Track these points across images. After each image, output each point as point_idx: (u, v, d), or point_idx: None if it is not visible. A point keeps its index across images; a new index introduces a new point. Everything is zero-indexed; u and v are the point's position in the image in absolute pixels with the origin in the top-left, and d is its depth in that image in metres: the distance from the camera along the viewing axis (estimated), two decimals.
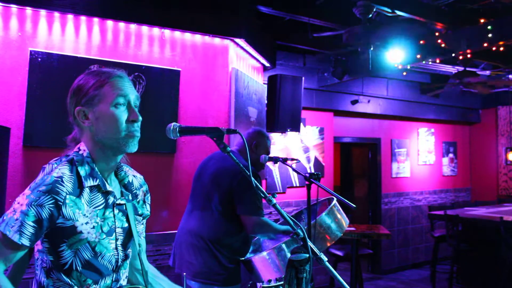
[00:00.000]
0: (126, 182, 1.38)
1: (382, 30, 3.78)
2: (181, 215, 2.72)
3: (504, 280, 4.93)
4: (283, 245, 2.28)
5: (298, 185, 5.42)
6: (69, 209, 1.18)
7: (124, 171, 1.39)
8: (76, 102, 1.26)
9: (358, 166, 7.72)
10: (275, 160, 2.62)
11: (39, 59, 2.92)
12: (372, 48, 4.18)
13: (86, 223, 1.21)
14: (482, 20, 4.04)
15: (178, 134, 1.33)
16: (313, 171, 5.62)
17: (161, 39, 3.42)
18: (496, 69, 5.86)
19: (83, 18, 3.11)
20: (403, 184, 7.08)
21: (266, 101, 4.62)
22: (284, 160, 2.63)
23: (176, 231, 2.68)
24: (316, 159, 5.69)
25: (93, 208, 1.24)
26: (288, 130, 4.52)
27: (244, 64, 4.15)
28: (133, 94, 1.28)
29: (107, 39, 3.20)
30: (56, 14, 3.01)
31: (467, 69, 5.29)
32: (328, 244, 2.47)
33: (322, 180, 5.21)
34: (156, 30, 3.40)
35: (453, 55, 4.36)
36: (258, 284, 2.56)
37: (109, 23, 3.21)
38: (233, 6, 3.62)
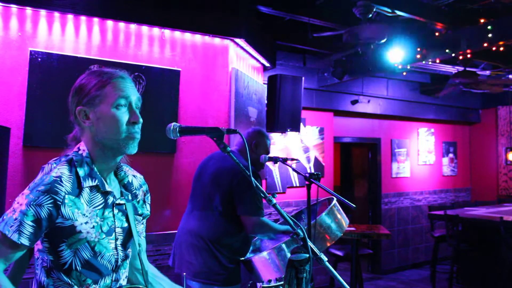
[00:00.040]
0: (125, 182, 1.38)
1: (382, 29, 3.77)
2: (181, 215, 2.72)
3: (504, 280, 4.93)
4: (283, 245, 2.28)
5: (298, 185, 5.42)
6: (68, 208, 1.18)
7: (124, 171, 1.39)
8: (78, 102, 1.26)
9: (358, 166, 7.72)
10: (275, 160, 2.62)
11: (39, 59, 2.92)
12: (372, 48, 4.18)
13: (86, 222, 1.21)
14: (482, 20, 4.03)
15: (178, 134, 1.33)
16: (313, 171, 5.62)
17: (161, 39, 3.42)
18: (496, 69, 5.85)
19: (83, 18, 3.11)
20: (403, 184, 7.08)
21: (266, 101, 4.62)
22: (284, 160, 2.63)
23: (176, 231, 2.68)
24: (316, 159, 5.69)
25: (93, 208, 1.24)
26: (288, 130, 4.52)
27: (244, 64, 4.15)
28: (134, 96, 1.28)
29: (107, 39, 3.20)
30: (56, 14, 3.01)
31: (467, 69, 5.29)
32: (328, 244, 2.47)
33: (322, 180, 5.21)
34: (156, 30, 3.40)
35: (453, 55, 4.36)
36: (258, 284, 2.56)
37: (109, 23, 3.21)
38: (233, 6, 3.62)
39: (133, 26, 3.30)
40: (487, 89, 5.50)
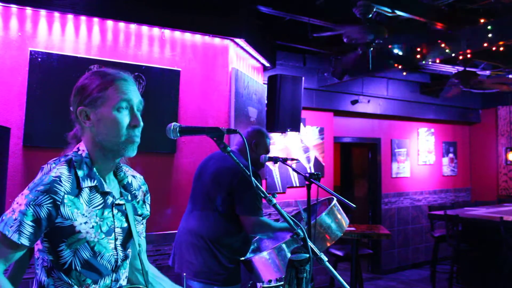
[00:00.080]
0: (125, 183, 1.38)
1: (382, 29, 3.77)
2: (181, 215, 2.72)
3: (504, 280, 4.93)
4: (283, 245, 2.28)
5: (298, 185, 5.42)
6: (67, 208, 1.18)
7: (124, 171, 1.39)
8: (79, 102, 1.26)
9: (358, 166, 7.72)
10: (275, 160, 2.62)
11: (39, 59, 2.92)
12: (372, 48, 4.18)
13: (85, 222, 1.21)
14: (482, 20, 4.03)
15: (178, 134, 1.33)
16: (313, 171, 5.62)
17: (161, 39, 3.42)
18: (496, 69, 5.85)
19: (83, 18, 3.11)
20: (403, 184, 7.08)
21: (266, 101, 4.62)
22: (284, 160, 2.63)
23: (176, 231, 2.68)
24: (316, 159, 5.69)
25: (92, 208, 1.24)
26: (288, 130, 4.52)
27: (244, 64, 4.15)
28: (137, 99, 1.28)
29: (107, 39, 3.20)
30: (56, 14, 3.01)
31: (467, 69, 5.29)
32: (328, 244, 2.47)
33: (322, 180, 5.21)
34: (156, 30, 3.40)
35: (453, 55, 4.36)
36: (258, 284, 2.56)
37: (109, 23, 3.21)
38: (233, 6, 3.62)
39: (133, 26, 3.30)
40: (492, 88, 5.49)
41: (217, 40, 3.66)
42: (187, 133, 1.36)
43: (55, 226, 1.17)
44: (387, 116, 6.73)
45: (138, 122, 1.26)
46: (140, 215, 1.43)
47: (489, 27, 3.94)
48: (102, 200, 1.27)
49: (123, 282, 1.36)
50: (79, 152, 1.27)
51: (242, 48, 4.03)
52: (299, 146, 5.53)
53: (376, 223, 6.64)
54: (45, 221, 1.15)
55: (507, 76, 5.91)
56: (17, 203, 1.16)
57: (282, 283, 2.54)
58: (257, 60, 4.56)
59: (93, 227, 1.23)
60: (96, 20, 3.15)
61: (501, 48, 4.31)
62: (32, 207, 1.13)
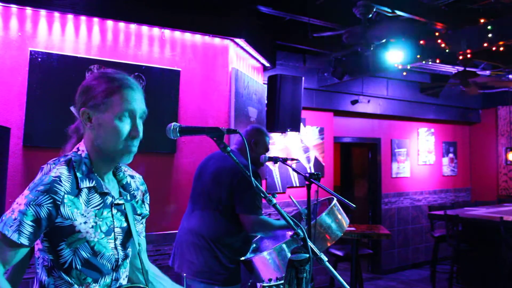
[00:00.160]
0: (124, 183, 1.38)
1: (382, 29, 3.78)
2: (181, 215, 2.72)
3: (504, 280, 4.93)
4: (284, 245, 2.28)
5: (298, 185, 5.42)
6: (67, 208, 1.18)
7: (123, 171, 1.40)
8: (83, 102, 1.26)
9: (358, 166, 7.72)
10: (275, 160, 2.62)
11: (39, 59, 2.92)
12: (372, 48, 4.18)
13: (85, 222, 1.22)
14: (482, 20, 4.03)
15: (178, 134, 1.33)
16: (313, 171, 5.62)
17: (161, 39, 3.42)
18: (496, 69, 5.85)
19: (83, 18, 3.11)
20: (403, 184, 7.08)
21: (266, 101, 4.62)
22: (284, 160, 2.63)
23: (176, 231, 2.68)
24: (316, 159, 5.69)
25: (91, 208, 1.24)
26: (288, 130, 4.52)
27: (244, 64, 4.15)
28: (140, 109, 1.28)
29: (107, 39, 3.20)
30: (56, 14, 3.01)
31: (467, 69, 5.28)
32: (329, 244, 2.48)
33: (322, 180, 5.21)
34: (156, 30, 3.40)
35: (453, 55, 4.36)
36: (258, 284, 2.56)
37: (109, 23, 3.21)
38: (233, 6, 3.62)
39: (133, 26, 3.30)
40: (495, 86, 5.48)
41: (217, 40, 3.66)
42: (187, 133, 1.36)
43: (55, 226, 1.17)
44: (387, 116, 6.73)
45: (137, 134, 1.26)
46: (139, 215, 1.43)
47: (489, 27, 3.94)
48: (101, 200, 1.27)
49: (123, 281, 1.36)
50: (79, 152, 1.27)
51: (242, 48, 4.03)
52: (299, 146, 5.53)
53: (376, 223, 6.64)
54: (45, 221, 1.15)
55: (507, 76, 5.91)
56: (17, 203, 1.16)
57: (282, 281, 2.54)
58: (257, 60, 4.56)
59: (92, 227, 1.23)
60: (96, 20, 3.15)
61: (501, 48, 4.31)
62: (32, 207, 1.13)
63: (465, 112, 7.74)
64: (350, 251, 4.46)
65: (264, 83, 4.73)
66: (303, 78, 4.63)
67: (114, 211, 1.30)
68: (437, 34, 4.37)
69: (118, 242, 1.31)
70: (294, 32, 4.65)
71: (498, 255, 5.03)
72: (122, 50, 3.26)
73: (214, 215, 2.47)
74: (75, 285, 1.22)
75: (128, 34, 3.28)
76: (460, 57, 4.62)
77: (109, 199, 1.29)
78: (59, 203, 1.16)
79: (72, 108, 1.30)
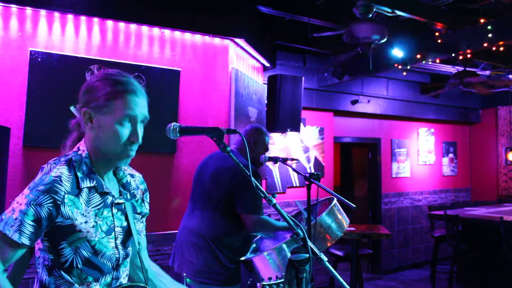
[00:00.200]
0: (124, 182, 1.39)
1: (381, 29, 3.77)
2: (181, 215, 2.72)
3: (504, 280, 4.93)
4: (284, 245, 2.28)
5: (298, 185, 5.42)
6: (68, 208, 1.18)
7: (123, 170, 1.40)
8: (85, 102, 1.26)
9: (358, 166, 7.72)
10: (275, 160, 2.62)
11: (39, 59, 2.92)
12: (372, 48, 4.18)
13: (85, 222, 1.22)
14: (482, 20, 4.03)
15: (178, 134, 1.33)
16: (313, 171, 5.62)
17: (161, 39, 3.42)
18: (496, 69, 5.85)
19: (83, 18, 3.11)
20: (403, 184, 7.08)
21: (266, 101, 4.62)
22: (284, 160, 2.63)
23: (176, 231, 2.68)
24: (316, 159, 5.69)
25: (92, 207, 1.24)
26: (288, 130, 4.53)
27: (244, 64, 4.15)
28: (142, 115, 1.28)
29: (107, 39, 3.20)
30: (56, 14, 3.01)
31: (467, 69, 5.29)
32: (329, 244, 2.47)
33: (322, 180, 5.21)
34: (156, 30, 3.40)
35: (453, 55, 4.36)
36: (258, 284, 2.56)
37: (109, 23, 3.21)
38: (233, 6, 3.62)
39: (133, 26, 3.30)
40: (475, 90, 5.48)
41: (217, 40, 3.66)
42: (187, 133, 1.36)
43: (55, 225, 1.17)
44: (387, 116, 6.73)
45: (137, 139, 1.26)
46: (139, 214, 1.43)
47: (489, 27, 3.94)
48: (101, 200, 1.27)
49: (124, 280, 1.36)
50: (79, 152, 1.28)
51: (242, 48, 4.03)
52: (299, 146, 5.53)
53: (376, 223, 6.64)
54: (46, 220, 1.15)
55: (507, 76, 5.91)
56: (18, 202, 1.16)
57: (282, 280, 2.54)
58: (257, 60, 4.56)
59: (93, 226, 1.23)
60: (96, 20, 3.15)
61: (501, 48, 4.31)
62: (33, 207, 1.13)
63: (465, 112, 7.74)
64: (350, 251, 4.46)
65: (264, 83, 4.73)
66: (303, 78, 4.63)
67: (115, 210, 1.31)
68: (437, 34, 4.37)
69: (118, 241, 1.31)
70: (294, 32, 4.65)
71: (498, 255, 5.03)
72: (122, 50, 3.26)
73: (214, 215, 2.47)
74: (76, 285, 1.22)
75: (128, 34, 3.29)
76: (460, 57, 4.63)
77: (109, 199, 1.29)
78: (60, 203, 1.17)
79: (72, 108, 1.30)
